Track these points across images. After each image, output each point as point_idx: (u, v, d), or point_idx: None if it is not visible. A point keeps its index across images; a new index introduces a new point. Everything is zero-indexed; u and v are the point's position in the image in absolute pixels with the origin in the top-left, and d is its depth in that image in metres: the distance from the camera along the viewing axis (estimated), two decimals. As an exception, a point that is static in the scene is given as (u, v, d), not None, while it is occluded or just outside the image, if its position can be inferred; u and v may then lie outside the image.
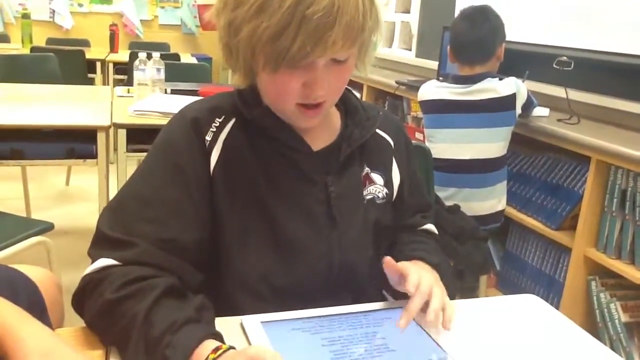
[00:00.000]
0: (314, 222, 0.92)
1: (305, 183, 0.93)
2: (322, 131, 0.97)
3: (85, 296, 0.78)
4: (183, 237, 0.84)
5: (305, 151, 0.93)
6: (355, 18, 0.78)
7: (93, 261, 0.80)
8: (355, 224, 0.96)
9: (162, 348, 0.69)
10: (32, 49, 4.29)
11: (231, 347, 0.69)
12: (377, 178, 1.01)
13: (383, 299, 1.01)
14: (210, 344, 0.69)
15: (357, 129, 0.98)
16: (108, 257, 0.79)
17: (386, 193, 1.01)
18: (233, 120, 0.92)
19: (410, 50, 3.84)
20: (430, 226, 1.12)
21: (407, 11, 3.84)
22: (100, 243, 0.82)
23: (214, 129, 0.90)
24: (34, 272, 0.98)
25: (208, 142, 0.89)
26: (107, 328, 0.76)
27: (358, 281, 0.96)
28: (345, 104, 1.01)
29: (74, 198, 3.81)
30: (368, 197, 0.99)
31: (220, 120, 0.92)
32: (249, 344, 0.78)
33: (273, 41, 0.77)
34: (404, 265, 0.90)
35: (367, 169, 1.00)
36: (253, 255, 0.90)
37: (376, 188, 1.00)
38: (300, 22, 0.75)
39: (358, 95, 1.09)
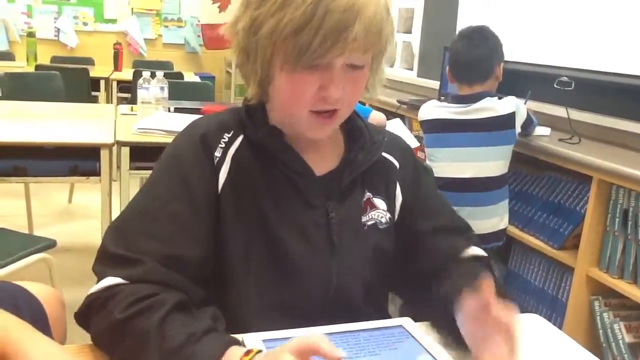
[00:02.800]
0: (313, 246, 0.91)
1: (306, 207, 0.92)
2: (325, 154, 0.96)
3: (91, 315, 0.78)
4: (188, 254, 0.84)
5: (307, 175, 0.93)
6: (374, 20, 0.80)
7: (99, 279, 0.79)
8: (354, 250, 0.95)
9: (184, 359, 0.68)
10: (37, 67, 4.33)
11: (259, 351, 0.69)
12: (379, 203, 0.99)
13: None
14: (236, 350, 0.69)
15: (361, 153, 0.97)
16: (114, 276, 0.78)
17: (389, 218, 0.99)
18: (241, 137, 0.92)
19: (412, 70, 3.86)
20: (476, 250, 1.01)
21: (409, 31, 3.88)
22: (105, 260, 0.81)
23: (223, 145, 0.90)
24: (37, 289, 0.98)
25: (217, 159, 0.89)
26: (116, 346, 0.75)
27: (353, 305, 0.95)
28: (350, 125, 0.99)
29: (76, 215, 3.81)
30: (369, 222, 0.97)
31: (229, 135, 0.91)
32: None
33: (295, 35, 0.78)
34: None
35: (368, 194, 0.98)
36: (254, 275, 0.89)
37: (378, 213, 0.98)
38: (323, 16, 0.77)
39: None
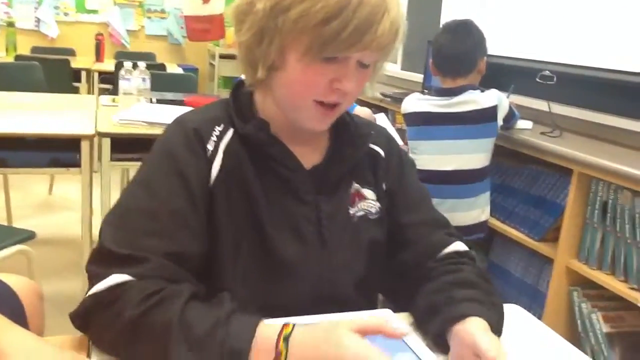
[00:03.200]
0: (303, 241, 0.91)
1: (296, 202, 0.91)
2: (311, 147, 0.96)
3: (95, 314, 0.75)
4: (190, 250, 0.83)
5: (297, 170, 0.92)
6: (398, 18, 0.82)
7: (99, 278, 0.76)
8: (344, 244, 0.94)
9: (216, 343, 0.68)
10: (17, 58, 4.27)
11: (294, 325, 0.70)
12: (368, 193, 0.99)
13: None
14: (269, 327, 0.70)
15: (348, 146, 0.97)
16: (120, 273, 0.76)
17: (379, 207, 0.99)
18: (232, 130, 0.91)
19: (396, 63, 3.87)
20: (459, 245, 1.00)
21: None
22: (106, 260, 0.78)
23: (215, 138, 0.89)
24: (15, 281, 0.97)
25: (210, 152, 0.88)
26: (132, 344, 0.72)
27: (343, 298, 0.95)
28: (335, 119, 0.97)
29: (56, 207, 3.77)
30: (359, 214, 0.97)
31: (220, 129, 0.90)
32: None
33: (326, 23, 0.77)
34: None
35: (356, 186, 0.98)
36: (242, 270, 0.89)
37: (368, 203, 0.98)
38: (356, 7, 0.76)
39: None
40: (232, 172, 0.88)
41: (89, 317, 0.76)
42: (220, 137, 0.90)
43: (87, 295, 0.76)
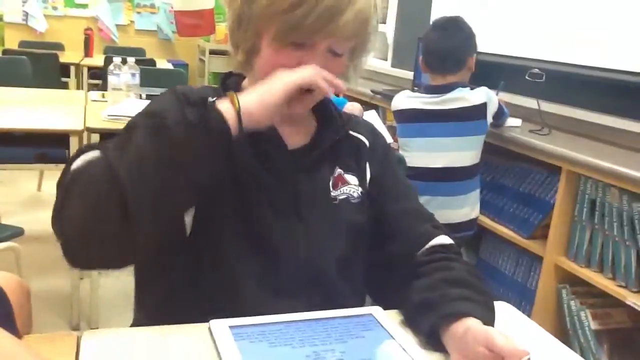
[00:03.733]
0: (282, 218, 0.93)
1: (276, 179, 0.94)
2: (298, 130, 1.00)
3: (76, 183, 0.77)
4: None
5: (280, 148, 0.95)
6: (365, 9, 0.86)
7: (68, 167, 0.80)
8: (324, 224, 0.96)
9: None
10: (4, 52, 4.24)
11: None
12: (350, 178, 1.01)
13: (356, 299, 1.01)
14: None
15: (328, 130, 1.01)
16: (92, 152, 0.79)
17: (361, 192, 1.01)
18: None
19: (386, 60, 3.87)
20: (444, 238, 1.00)
21: (383, 21, 3.88)
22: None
23: None
24: (1, 277, 0.95)
25: None
26: (121, 150, 0.75)
27: (327, 281, 0.96)
28: (322, 111, 1.02)
29: (45, 204, 3.74)
30: (341, 196, 0.99)
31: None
32: (217, 348, 0.77)
33: (291, 10, 0.82)
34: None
35: (339, 170, 1.00)
36: (228, 249, 0.90)
37: (350, 188, 1.00)
38: None
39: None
40: None
41: (68, 191, 0.77)
42: None
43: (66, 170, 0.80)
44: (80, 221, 0.75)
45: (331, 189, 0.99)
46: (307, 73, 0.84)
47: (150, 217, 0.75)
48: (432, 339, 0.83)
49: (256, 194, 0.92)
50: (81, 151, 0.82)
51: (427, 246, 0.98)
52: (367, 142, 1.06)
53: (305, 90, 0.88)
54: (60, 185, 0.80)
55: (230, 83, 1.00)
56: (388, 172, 1.06)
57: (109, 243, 0.75)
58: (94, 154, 0.78)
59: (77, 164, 0.78)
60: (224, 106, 0.80)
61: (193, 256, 0.90)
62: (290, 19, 0.83)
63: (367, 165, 1.04)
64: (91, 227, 0.74)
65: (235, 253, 0.90)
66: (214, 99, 0.84)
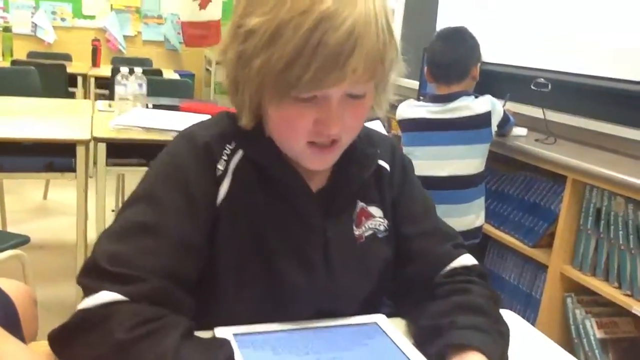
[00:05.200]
0: (309, 267, 0.87)
1: (302, 226, 0.88)
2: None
3: (83, 331, 0.70)
4: (190, 271, 0.80)
5: (304, 193, 0.88)
6: (375, 47, 0.74)
7: (90, 292, 0.72)
8: (351, 268, 0.91)
9: None
10: (13, 63, 4.26)
11: None
12: (375, 211, 0.95)
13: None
14: None
15: (353, 167, 0.92)
16: (112, 291, 0.71)
17: (387, 225, 0.95)
18: (242, 151, 0.87)
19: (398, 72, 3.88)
20: (467, 258, 0.95)
21: (389, 31, 3.89)
22: (99, 275, 0.74)
23: (226, 157, 0.86)
24: (8, 285, 0.96)
25: (220, 172, 0.85)
26: None
27: (345, 316, 0.92)
28: None
29: (51, 212, 3.76)
30: (367, 233, 0.93)
31: (231, 147, 0.87)
32: None
33: (285, 70, 0.73)
34: None
35: (362, 204, 0.94)
36: (245, 294, 0.86)
37: (376, 222, 0.94)
38: (315, 48, 0.71)
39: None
40: (240, 193, 0.85)
41: (74, 333, 0.71)
42: (230, 157, 0.86)
43: (77, 309, 0.72)
44: None
45: (355, 227, 0.92)
46: None
47: None
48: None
49: (282, 245, 0.86)
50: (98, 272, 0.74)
51: (448, 268, 0.94)
52: (388, 167, 0.98)
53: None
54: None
55: (253, 129, 0.87)
56: (406, 191, 0.99)
57: None
58: (110, 300, 0.71)
59: (94, 301, 0.71)
60: None
61: (206, 296, 0.86)
62: (286, 79, 0.74)
63: (388, 191, 0.98)
64: None
65: (256, 302, 0.86)
66: None
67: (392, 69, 0.82)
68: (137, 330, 0.68)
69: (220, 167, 0.85)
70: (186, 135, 0.88)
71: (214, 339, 0.75)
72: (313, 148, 0.82)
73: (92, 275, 0.75)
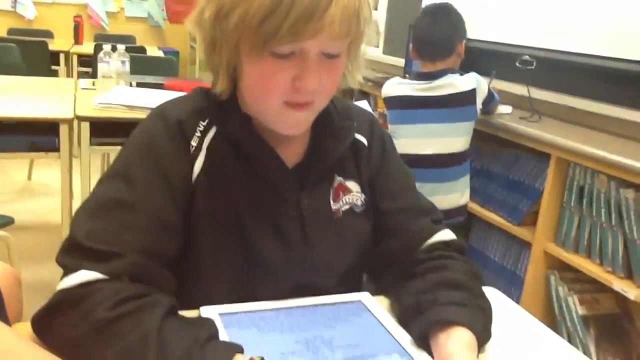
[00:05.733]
0: (285, 240, 0.88)
1: (278, 200, 0.89)
2: (294, 142, 0.92)
3: (63, 311, 0.71)
4: (166, 247, 0.81)
5: (280, 168, 0.89)
6: (352, 1, 0.76)
7: (69, 271, 0.73)
8: (327, 242, 0.92)
9: None
10: (-7, 39, 4.18)
11: (262, 358, 0.67)
12: (352, 185, 0.95)
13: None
14: (241, 357, 0.68)
15: (329, 140, 0.92)
16: (91, 270, 0.72)
17: (365, 199, 0.96)
18: (215, 127, 0.88)
19: (378, 47, 3.86)
20: (445, 233, 0.97)
21: (375, 8, 3.87)
22: (77, 252, 0.75)
23: (199, 134, 0.86)
24: (-8, 266, 0.96)
25: (193, 148, 0.85)
26: (101, 348, 0.68)
27: (324, 292, 0.92)
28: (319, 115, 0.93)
29: (36, 192, 3.73)
30: (344, 208, 0.94)
31: (204, 124, 0.87)
32: None
33: (264, 20, 0.73)
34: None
35: (339, 179, 0.94)
36: (223, 270, 0.86)
37: (353, 196, 0.95)
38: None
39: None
40: (215, 169, 0.86)
41: (55, 313, 0.71)
42: (204, 133, 0.87)
43: (57, 290, 0.73)
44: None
45: (332, 201, 0.93)
46: None
47: None
48: (422, 343, 0.81)
49: (258, 219, 0.87)
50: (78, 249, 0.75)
51: (427, 243, 0.94)
52: (365, 142, 0.98)
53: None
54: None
55: (226, 100, 0.88)
56: (385, 167, 1.00)
57: None
58: (90, 279, 0.72)
59: (74, 281, 0.72)
60: None
61: (184, 272, 0.86)
62: (265, 30, 0.74)
63: (366, 167, 0.98)
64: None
65: (235, 276, 0.87)
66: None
67: (365, 28, 0.82)
68: (118, 308, 0.69)
69: (194, 143, 0.86)
70: (159, 113, 0.88)
71: (198, 317, 0.76)
72: (288, 108, 0.82)
73: (70, 254, 0.76)
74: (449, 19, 2.24)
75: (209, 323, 0.74)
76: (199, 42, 0.86)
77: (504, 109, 2.40)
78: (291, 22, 0.73)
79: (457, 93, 2.14)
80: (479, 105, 2.17)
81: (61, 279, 0.74)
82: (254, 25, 0.75)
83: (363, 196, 0.96)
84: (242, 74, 0.83)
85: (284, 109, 0.82)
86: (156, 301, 0.72)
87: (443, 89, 2.15)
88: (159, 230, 0.80)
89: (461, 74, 2.17)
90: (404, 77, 2.51)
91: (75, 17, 5.30)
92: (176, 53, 5.77)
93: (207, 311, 0.82)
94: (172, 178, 0.83)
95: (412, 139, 2.20)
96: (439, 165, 2.19)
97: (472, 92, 2.14)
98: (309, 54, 0.78)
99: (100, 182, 0.84)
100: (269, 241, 0.87)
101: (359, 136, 0.98)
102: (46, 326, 0.72)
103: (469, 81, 2.14)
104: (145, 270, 0.76)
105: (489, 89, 2.21)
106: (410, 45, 2.33)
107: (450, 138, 2.18)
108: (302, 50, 0.78)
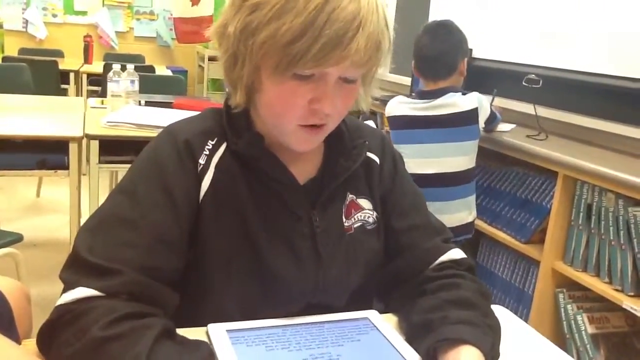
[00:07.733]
0: (298, 258, 0.88)
1: (290, 218, 0.89)
2: (306, 160, 0.93)
3: (60, 328, 0.71)
4: (168, 266, 0.81)
5: (291, 185, 0.89)
6: (376, 31, 0.77)
7: (68, 287, 0.74)
8: (339, 259, 0.92)
9: None
10: (4, 59, 4.25)
11: None
12: (364, 203, 0.96)
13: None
14: None
15: (341, 158, 0.93)
16: (88, 287, 0.72)
17: (376, 217, 0.97)
18: (225, 144, 0.88)
19: (385, 66, 3.89)
20: (456, 252, 0.97)
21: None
22: (78, 268, 0.75)
23: (207, 152, 0.87)
24: (2, 282, 0.96)
25: (201, 166, 0.86)
26: None
27: (335, 309, 0.93)
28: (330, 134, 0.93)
29: (44, 210, 3.75)
30: (356, 225, 0.94)
31: (212, 142, 0.88)
32: (214, 352, 0.77)
33: (292, 43, 0.74)
34: None
35: (351, 196, 0.95)
36: (234, 288, 0.86)
37: (365, 214, 0.95)
38: (324, 23, 0.73)
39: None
40: (224, 188, 0.86)
41: (54, 331, 0.72)
42: (212, 152, 0.87)
43: (55, 305, 0.73)
44: None
45: (344, 218, 0.94)
46: None
47: None
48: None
49: (270, 237, 0.87)
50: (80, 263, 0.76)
51: (436, 262, 0.95)
52: (377, 160, 0.99)
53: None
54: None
55: (237, 119, 0.90)
56: (396, 185, 1.01)
57: None
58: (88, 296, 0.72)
59: (71, 297, 0.72)
60: None
61: (194, 290, 0.87)
62: (292, 52, 0.75)
63: (378, 184, 0.99)
64: None
65: (245, 294, 0.87)
66: None
67: (384, 57, 0.84)
68: (113, 328, 0.69)
69: (202, 161, 0.86)
70: (168, 131, 0.89)
71: (193, 340, 0.75)
72: (303, 130, 0.84)
73: (72, 269, 0.76)
74: (451, 36, 2.21)
75: (202, 347, 0.73)
76: (221, 53, 0.86)
77: (504, 126, 2.40)
78: (318, 47, 0.74)
79: (458, 112, 2.11)
80: (481, 124, 2.16)
81: (61, 294, 0.75)
82: (281, 46, 0.76)
83: (375, 214, 0.97)
84: (260, 90, 0.84)
85: (298, 130, 0.84)
86: (150, 323, 0.71)
87: (444, 109, 2.13)
88: (160, 249, 0.80)
89: (463, 93, 2.16)
90: (410, 95, 2.50)
91: (85, 37, 5.37)
92: (184, 72, 5.83)
93: (215, 328, 0.82)
94: (176, 195, 0.83)
95: (415, 159, 2.18)
96: (443, 184, 2.17)
97: (474, 112, 2.12)
98: (329, 78, 0.79)
99: (108, 197, 0.85)
100: (280, 260, 0.87)
101: (370, 154, 0.99)
102: (46, 342, 0.73)
103: (471, 100, 2.12)
104: (144, 288, 0.76)
105: (490, 108, 2.20)
106: (412, 63, 2.31)
107: (452, 157, 2.16)
108: (323, 74, 0.79)
